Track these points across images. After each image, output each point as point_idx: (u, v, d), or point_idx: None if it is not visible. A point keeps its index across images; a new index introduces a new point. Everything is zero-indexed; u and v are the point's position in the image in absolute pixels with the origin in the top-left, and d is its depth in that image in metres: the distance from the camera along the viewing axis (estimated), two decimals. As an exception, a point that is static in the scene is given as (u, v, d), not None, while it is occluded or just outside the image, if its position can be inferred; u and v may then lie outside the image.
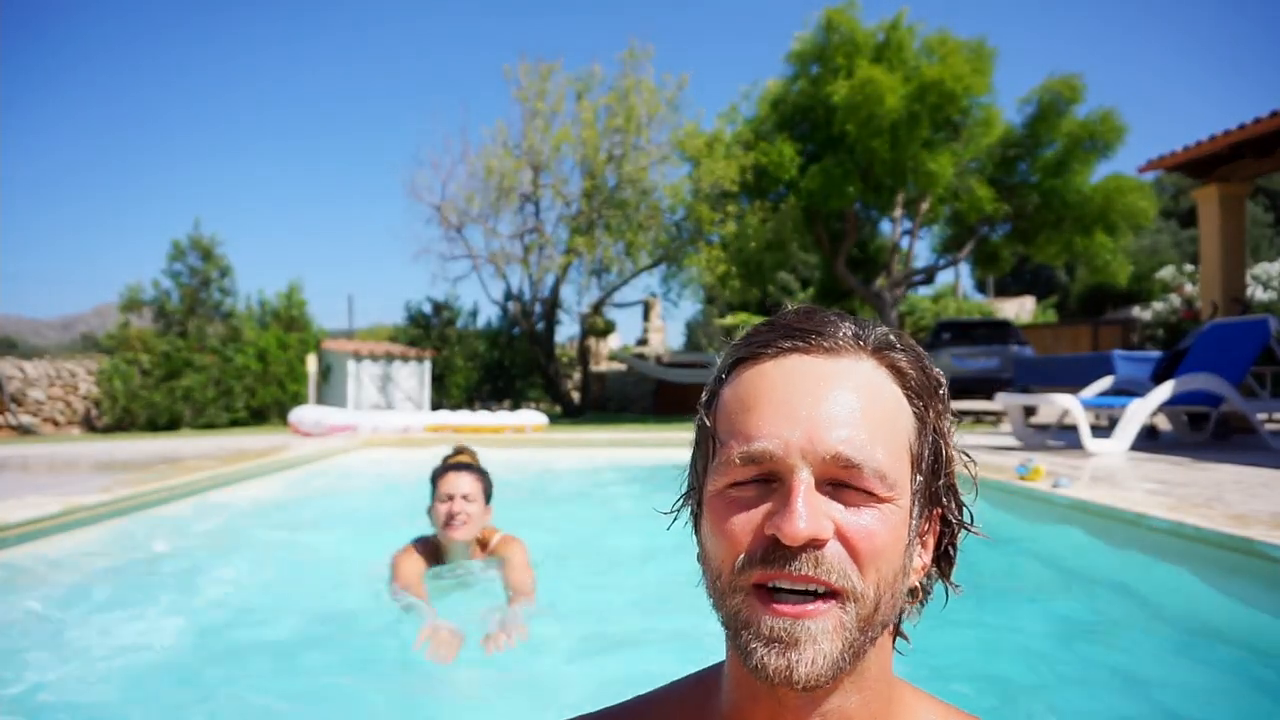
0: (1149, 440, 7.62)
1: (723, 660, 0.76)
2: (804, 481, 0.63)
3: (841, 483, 0.64)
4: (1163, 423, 9.02)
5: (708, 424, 0.72)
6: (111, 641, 2.68)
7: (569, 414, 17.67)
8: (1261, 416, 8.20)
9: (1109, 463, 5.62)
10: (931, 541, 0.74)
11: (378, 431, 10.12)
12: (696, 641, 2.49)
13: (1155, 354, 8.41)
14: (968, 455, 0.77)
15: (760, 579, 0.64)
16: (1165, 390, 6.58)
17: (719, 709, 0.74)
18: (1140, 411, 6.47)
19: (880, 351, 0.70)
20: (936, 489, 0.72)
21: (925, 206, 15.50)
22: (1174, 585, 2.96)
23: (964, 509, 0.76)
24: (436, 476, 3.01)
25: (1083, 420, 6.60)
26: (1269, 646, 2.39)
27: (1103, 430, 7.93)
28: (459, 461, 3.08)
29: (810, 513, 0.62)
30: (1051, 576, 3.42)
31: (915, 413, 0.70)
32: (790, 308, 0.74)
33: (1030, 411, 10.33)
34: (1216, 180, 9.71)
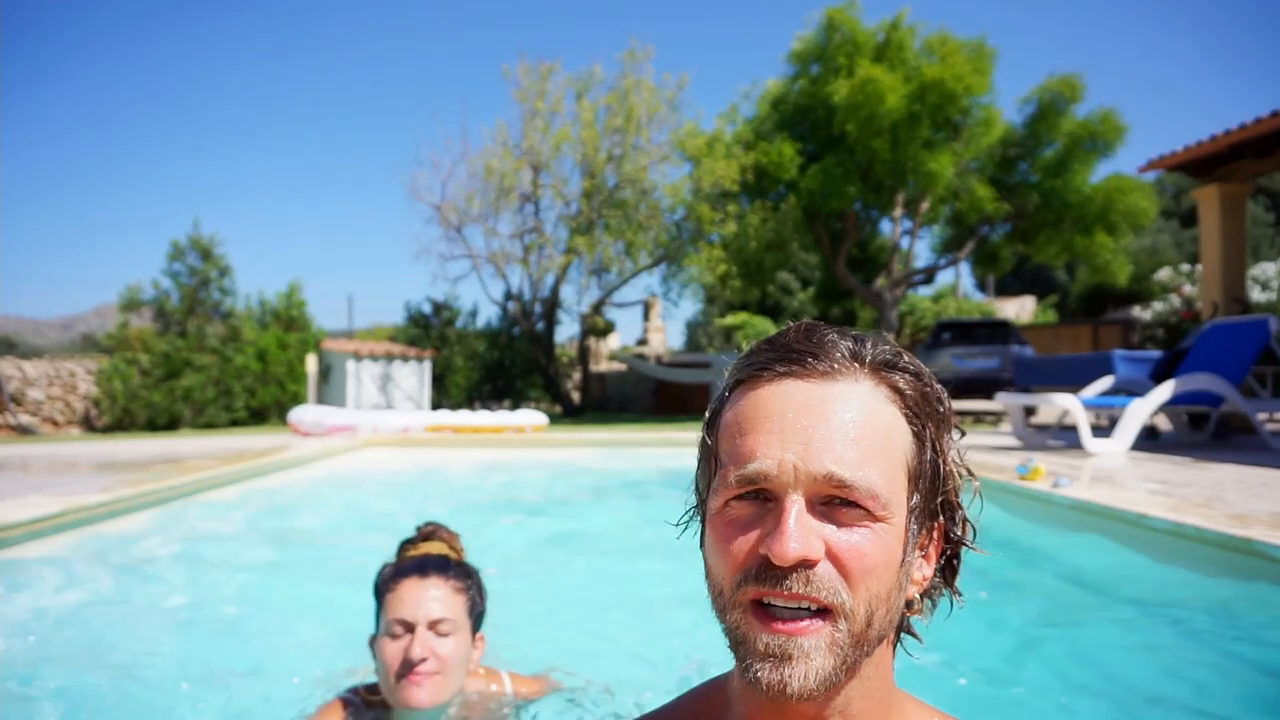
0: (1149, 440, 7.61)
1: (732, 670, 0.77)
2: (795, 503, 0.65)
3: (835, 502, 0.66)
4: (1163, 423, 9.02)
5: (709, 443, 0.74)
6: (110, 641, 2.68)
7: (569, 414, 17.66)
8: (1262, 416, 8.20)
9: (1109, 463, 5.62)
10: (934, 553, 0.75)
11: (378, 431, 10.12)
12: (697, 642, 2.49)
13: (1155, 354, 8.40)
14: (969, 472, 0.78)
15: (756, 595, 0.66)
16: (1165, 390, 6.57)
17: (729, 718, 0.76)
18: (1140, 411, 6.46)
19: (878, 371, 0.71)
20: (935, 505, 0.73)
21: (925, 206, 15.49)
22: (1174, 585, 2.96)
23: (968, 525, 0.77)
24: (384, 586, 1.66)
25: (1083, 420, 6.59)
26: (1270, 646, 2.39)
27: (1103, 430, 7.92)
28: (425, 555, 1.71)
29: (801, 534, 0.63)
30: (1051, 577, 3.42)
31: (913, 431, 0.71)
32: (791, 325, 0.75)
33: (1030, 411, 10.32)
34: (1217, 180, 9.71)
